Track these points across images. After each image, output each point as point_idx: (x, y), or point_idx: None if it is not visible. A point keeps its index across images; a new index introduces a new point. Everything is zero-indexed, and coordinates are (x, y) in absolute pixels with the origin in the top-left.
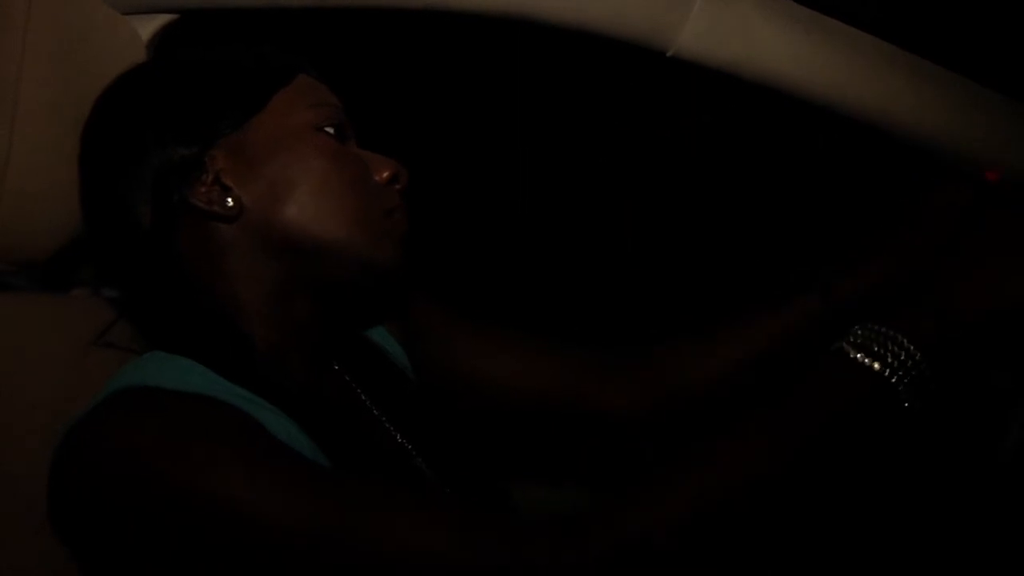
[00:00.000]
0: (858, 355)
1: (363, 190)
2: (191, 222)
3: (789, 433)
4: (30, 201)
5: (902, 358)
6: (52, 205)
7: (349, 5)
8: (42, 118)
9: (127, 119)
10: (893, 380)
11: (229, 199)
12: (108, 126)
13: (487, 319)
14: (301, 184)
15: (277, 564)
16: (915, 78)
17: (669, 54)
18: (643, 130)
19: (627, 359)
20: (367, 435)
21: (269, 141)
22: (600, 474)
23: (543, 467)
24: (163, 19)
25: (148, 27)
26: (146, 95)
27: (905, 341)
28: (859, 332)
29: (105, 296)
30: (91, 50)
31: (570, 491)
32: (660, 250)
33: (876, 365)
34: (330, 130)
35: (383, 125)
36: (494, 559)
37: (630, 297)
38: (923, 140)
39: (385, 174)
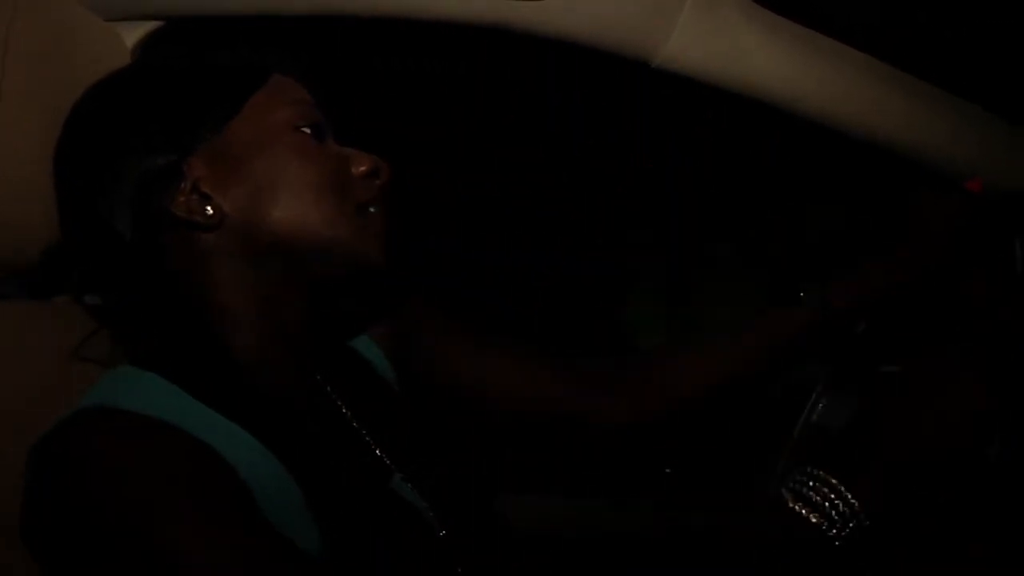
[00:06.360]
0: (797, 504)
1: (341, 186)
2: (174, 232)
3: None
4: (12, 209)
5: (840, 509)
6: (35, 213)
7: (339, 12)
8: (24, 126)
9: (101, 130)
10: (831, 533)
11: (209, 208)
12: (82, 138)
13: (471, 318)
14: (280, 185)
15: None
16: (899, 91)
17: (654, 65)
18: (625, 130)
19: (625, 369)
20: (344, 450)
21: (247, 145)
22: (583, 482)
23: (527, 476)
24: (148, 26)
25: (133, 34)
26: (119, 105)
27: (849, 496)
28: (802, 479)
29: (87, 303)
30: (75, 57)
31: (554, 500)
32: (641, 250)
33: (814, 517)
34: (307, 129)
35: (367, 129)
36: None
37: (614, 296)
38: (905, 151)
39: (363, 168)
